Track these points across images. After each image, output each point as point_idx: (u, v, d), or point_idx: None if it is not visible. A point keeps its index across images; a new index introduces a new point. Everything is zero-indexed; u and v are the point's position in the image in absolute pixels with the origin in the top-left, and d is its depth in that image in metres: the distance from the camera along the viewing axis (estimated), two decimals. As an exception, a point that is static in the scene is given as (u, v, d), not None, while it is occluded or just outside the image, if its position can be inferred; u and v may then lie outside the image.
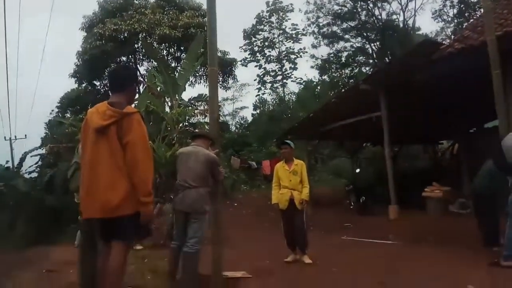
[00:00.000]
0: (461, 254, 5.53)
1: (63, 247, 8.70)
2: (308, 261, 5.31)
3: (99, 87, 23.11)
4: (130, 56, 22.36)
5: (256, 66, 40.02)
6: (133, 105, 3.04)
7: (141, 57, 22.83)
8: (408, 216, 9.19)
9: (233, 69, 24.98)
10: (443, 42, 10.93)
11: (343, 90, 13.19)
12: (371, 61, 25.06)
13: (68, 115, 22.32)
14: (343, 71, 26.60)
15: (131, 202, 2.70)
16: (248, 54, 39.18)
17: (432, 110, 11.12)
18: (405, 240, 7.26)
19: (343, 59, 26.36)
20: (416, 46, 7.88)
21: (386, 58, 21.41)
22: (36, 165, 14.87)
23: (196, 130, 12.38)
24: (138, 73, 21.19)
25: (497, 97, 5.56)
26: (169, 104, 12.41)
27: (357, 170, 14.75)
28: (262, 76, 40.81)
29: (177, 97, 11.32)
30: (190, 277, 3.87)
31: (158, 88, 11.52)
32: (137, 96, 12.75)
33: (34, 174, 14.67)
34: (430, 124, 12.90)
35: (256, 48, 39.04)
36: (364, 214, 10.61)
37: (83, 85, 23.09)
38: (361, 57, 26.16)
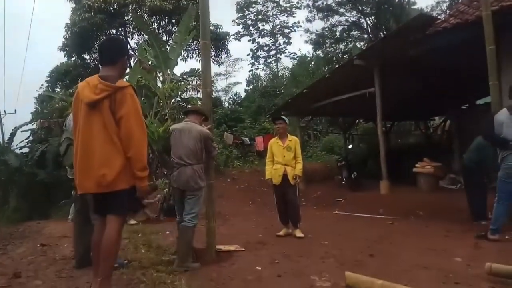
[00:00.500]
0: (449, 228, 5.67)
1: (56, 222, 8.75)
2: (300, 235, 5.41)
3: (88, 61, 22.63)
4: (120, 29, 21.79)
5: (249, 40, 39.51)
6: (124, 79, 2.98)
7: (131, 30, 22.26)
8: (399, 191, 9.35)
9: (226, 43, 24.57)
10: (439, 16, 10.79)
11: (337, 66, 13.05)
12: (366, 36, 24.76)
13: (58, 89, 21.94)
14: (337, 46, 26.28)
15: (126, 177, 2.70)
16: (242, 28, 38.60)
17: (425, 86, 11.12)
18: (395, 214, 7.40)
19: (337, 33, 26.01)
20: (411, 20, 7.76)
21: (381, 33, 21.15)
22: (27, 140, 14.68)
23: (189, 106, 12.29)
24: (128, 46, 20.78)
25: (490, 73, 5.55)
26: (161, 79, 12.20)
27: (350, 146, 14.85)
28: (255, 51, 40.36)
29: (169, 72, 11.10)
30: (185, 250, 3.94)
31: (150, 62, 11.28)
32: (128, 70, 12.57)
33: (25, 150, 14.52)
34: (423, 100, 12.92)
35: (249, 22, 38.40)
36: (356, 189, 10.76)
37: (73, 58, 22.59)
38: (356, 32, 25.83)
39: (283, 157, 5.59)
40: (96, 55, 20.07)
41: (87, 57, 22.46)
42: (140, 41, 19.98)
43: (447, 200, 7.63)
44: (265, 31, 39.62)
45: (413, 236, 5.23)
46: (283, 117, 5.97)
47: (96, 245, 2.75)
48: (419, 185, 9.58)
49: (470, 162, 6.14)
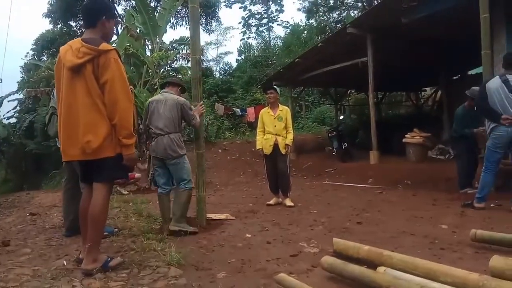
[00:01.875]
0: (436, 196, 5.78)
1: (46, 192, 8.72)
2: (289, 204, 5.47)
3: (75, 28, 21.93)
4: (106, -5, 21.02)
5: (241, 7, 38.48)
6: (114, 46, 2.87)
7: (118, -4, 21.54)
8: (388, 161, 9.46)
9: (217, 10, 23.93)
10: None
11: (330, 35, 12.84)
12: (360, 4, 24.23)
13: (44, 57, 21.34)
14: (331, 14, 25.74)
15: (112, 144, 2.65)
16: (233, -6, 37.46)
17: (417, 56, 11.02)
18: (384, 184, 7.51)
19: (331, 1, 25.42)
20: (406, -13, 7.57)
21: (376, 1, 20.71)
22: (14, 110, 14.40)
23: (178, 76, 12.07)
24: (113, 8, 20.11)
25: (483, 42, 5.49)
26: (150, 47, 11.93)
27: (341, 117, 14.86)
28: (247, 19, 39.39)
29: (157, 40, 10.84)
30: (180, 212, 3.98)
31: (138, 30, 10.97)
32: (115, 37, 12.19)
33: (13, 120, 14.27)
34: (414, 71, 12.85)
35: (241, -12, 37.24)
36: (346, 159, 10.86)
37: (58, 25, 21.87)
38: (349, 0, 25.26)
39: (274, 127, 5.58)
40: (82, 22, 19.42)
41: (73, 24, 21.79)
42: (128, 7, 19.36)
43: (435, 170, 7.74)
44: (257, -2, 38.56)
45: (400, 205, 5.31)
46: (274, 86, 5.90)
47: (83, 213, 2.73)
48: (408, 155, 9.67)
49: (454, 132, 6.31)
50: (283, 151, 5.54)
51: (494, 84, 4.57)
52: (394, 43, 9.81)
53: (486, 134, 4.81)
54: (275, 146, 5.54)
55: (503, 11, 6.40)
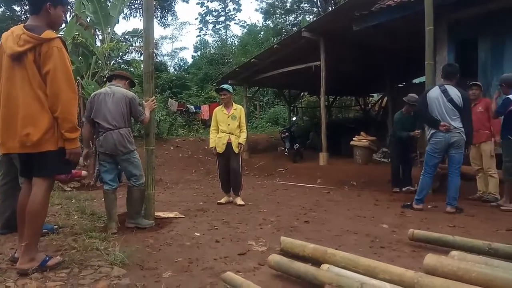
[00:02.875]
0: (379, 197, 6.08)
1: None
2: (240, 203, 5.48)
3: (19, 13, 20.46)
4: (55, -21, 19.81)
5: (198, 3, 38.09)
6: (57, 33, 2.70)
7: (68, -18, 20.41)
8: (336, 162, 9.81)
9: (173, 4, 23.43)
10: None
11: (286, 37, 13.06)
12: (315, 9, 24.88)
13: (-16, 43, 19.68)
14: (287, 17, 26.21)
15: (54, 137, 2.51)
16: (190, -10, 36.95)
17: (366, 63, 11.53)
18: (331, 184, 7.77)
19: (288, 4, 25.88)
20: (359, -4, 7.90)
21: (330, 7, 21.36)
22: None
23: (131, 69, 11.67)
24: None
25: (427, 53, 5.85)
26: (100, 37, 11.43)
27: (294, 118, 15.15)
28: (204, 15, 39.07)
29: (109, 30, 10.41)
30: (134, 208, 3.93)
31: (88, 19, 10.47)
32: (63, 25, 11.55)
33: None
34: (363, 77, 13.43)
35: (198, -16, 36.82)
36: (297, 160, 11.10)
37: (0, 9, 20.30)
38: (306, 4, 25.84)
39: (228, 125, 5.57)
40: (27, 7, 18.17)
41: (17, 8, 20.30)
42: (78, -5, 18.38)
43: (378, 172, 8.14)
44: (215, -5, 38.34)
45: (346, 204, 5.52)
46: (226, 86, 5.81)
47: (21, 209, 2.56)
48: (355, 157, 10.08)
49: (391, 135, 6.99)
50: (236, 150, 5.54)
51: (433, 93, 4.89)
52: (345, 49, 10.20)
53: (426, 139, 5.14)
54: (228, 145, 5.54)
55: (446, 24, 6.87)
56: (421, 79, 11.54)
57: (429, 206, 5.11)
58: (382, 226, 4.08)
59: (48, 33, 2.49)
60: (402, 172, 6.70)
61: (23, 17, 19.80)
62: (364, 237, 3.61)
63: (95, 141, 3.99)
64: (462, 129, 4.75)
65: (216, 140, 5.62)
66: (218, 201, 5.65)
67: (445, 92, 4.79)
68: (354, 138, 10.27)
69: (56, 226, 3.73)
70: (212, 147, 5.72)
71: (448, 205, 4.79)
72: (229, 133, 5.57)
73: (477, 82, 5.88)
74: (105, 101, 3.84)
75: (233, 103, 5.81)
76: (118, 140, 3.79)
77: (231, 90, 5.78)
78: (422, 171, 5.07)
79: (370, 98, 19.43)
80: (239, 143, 5.56)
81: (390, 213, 4.84)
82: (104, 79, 9.69)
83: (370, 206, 5.36)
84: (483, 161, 5.50)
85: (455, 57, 6.99)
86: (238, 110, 5.70)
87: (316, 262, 2.61)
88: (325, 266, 2.41)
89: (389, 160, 9.73)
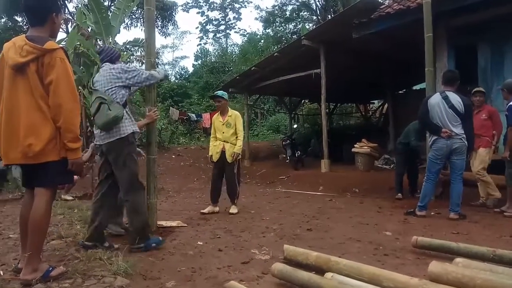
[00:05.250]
0: (381, 204, 6.06)
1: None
2: (233, 211, 5.40)
3: (21, 23, 20.64)
4: (56, -10, 20.00)
5: (198, 12, 38.43)
6: (59, 43, 2.72)
7: (69, -8, 20.60)
8: (338, 169, 9.80)
9: (174, 13, 23.62)
10: (384, 2, 11.17)
11: (286, 45, 13.14)
12: (314, 17, 25.05)
13: (-14, 53, 19.83)
14: (287, 25, 26.39)
15: (56, 148, 2.52)
16: (190, -1, 37.27)
17: (366, 70, 11.58)
18: (333, 191, 7.76)
19: (287, 13, 26.08)
20: (357, 4, 7.96)
21: (329, 15, 21.52)
22: None
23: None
24: (66, 9, 19.20)
25: (427, 59, 5.88)
26: (102, 47, 11.49)
27: (295, 126, 15.19)
28: (204, 24, 39.34)
29: (110, 40, 10.48)
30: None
31: (89, 29, 10.56)
32: (64, 35, 11.63)
33: None
34: (364, 83, 13.47)
35: (198, -7, 37.16)
36: (299, 167, 11.09)
37: (2, 20, 20.48)
38: (305, 13, 26.04)
39: (222, 133, 5.49)
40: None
41: (19, 19, 20.47)
42: (79, 5, 18.55)
43: (381, 179, 8.12)
44: (215, 4, 38.70)
45: (348, 212, 5.51)
46: (221, 93, 5.73)
47: (23, 219, 2.57)
48: (357, 164, 10.07)
49: (398, 144, 6.87)
50: (229, 159, 5.41)
51: (434, 100, 4.90)
52: (345, 56, 10.25)
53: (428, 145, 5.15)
54: (223, 153, 5.43)
55: (445, 31, 6.91)
56: (421, 85, 11.59)
57: (432, 213, 5.10)
58: (385, 233, 4.07)
59: (51, 44, 2.51)
60: (408, 179, 6.68)
61: (24, 27, 19.95)
62: (368, 244, 3.59)
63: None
64: (464, 135, 4.75)
65: (212, 148, 5.59)
66: (201, 211, 5.48)
67: (446, 98, 4.80)
68: (355, 145, 10.26)
69: (162, 238, 3.70)
70: (210, 155, 5.64)
71: (451, 212, 4.77)
72: (224, 141, 5.47)
73: (480, 88, 5.83)
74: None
75: (229, 109, 5.68)
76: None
77: (226, 96, 5.67)
78: (425, 177, 5.07)
79: (371, 105, 19.46)
80: (233, 152, 5.43)
81: (393, 220, 4.83)
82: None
83: (373, 213, 5.34)
84: (474, 163, 5.48)
85: (455, 64, 7.01)
86: (233, 116, 5.55)
87: (320, 270, 2.60)
88: (329, 275, 2.40)
89: (392, 166, 9.74)
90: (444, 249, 3.11)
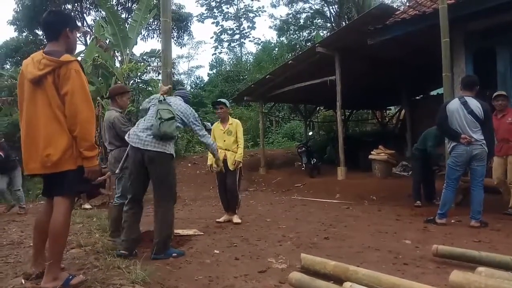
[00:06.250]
0: (400, 212, 5.96)
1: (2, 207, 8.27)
2: (237, 221, 5.35)
3: (42, 37, 21.30)
4: (75, 4, 20.63)
5: (213, 23, 38.91)
6: (79, 58, 2.81)
7: (88, 6, 21.17)
8: (355, 177, 9.68)
9: (189, 24, 23.99)
10: (399, 8, 11.10)
11: (300, 53, 13.15)
12: (328, 24, 25.05)
13: (8, 66, 20.56)
14: (301, 33, 26.43)
15: (73, 157, 2.59)
16: (205, 10, 37.83)
17: (382, 76, 11.48)
18: (350, 199, 7.67)
19: (301, 21, 26.14)
20: (372, 10, 7.93)
21: (344, 22, 21.49)
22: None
23: (148, 88, 11.88)
24: (73, 17, 19.65)
25: (444, 65, 5.79)
26: (119, 58, 11.75)
27: (310, 133, 15.11)
28: (219, 34, 39.78)
29: (127, 51, 10.71)
30: (113, 228, 4.09)
31: (107, 41, 10.82)
32: (83, 47, 11.93)
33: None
34: (380, 90, 13.34)
35: (213, 4, 37.66)
36: (315, 175, 11.01)
37: (24, 34, 21.20)
38: (319, 20, 26.06)
39: (223, 141, 5.46)
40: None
41: (40, 32, 21.14)
42: (97, 18, 19.05)
43: (399, 186, 7.99)
44: (229, 14, 39.14)
45: (366, 220, 5.43)
46: (223, 100, 5.76)
47: (39, 227, 2.66)
48: (374, 171, 9.93)
49: (415, 150, 6.83)
50: (231, 167, 5.37)
51: (453, 105, 4.81)
52: (360, 63, 10.19)
53: (447, 152, 5.04)
54: (224, 162, 5.32)
55: (462, 36, 6.81)
56: (439, 90, 11.41)
57: (452, 221, 4.98)
58: (404, 241, 3.99)
59: (67, 57, 2.60)
60: (423, 185, 6.58)
61: (44, 41, 20.54)
62: (387, 253, 3.53)
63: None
64: (484, 141, 4.65)
65: (212, 157, 5.56)
66: (217, 220, 5.52)
67: (465, 104, 4.71)
68: (372, 152, 10.14)
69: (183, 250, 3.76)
70: (209, 165, 5.58)
71: (472, 219, 4.65)
72: (226, 149, 5.43)
73: (502, 92, 5.59)
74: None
75: (230, 117, 5.68)
76: (110, 161, 4.20)
77: (227, 104, 5.67)
78: (444, 184, 4.96)
79: (387, 111, 19.23)
80: (234, 160, 5.40)
81: (412, 228, 4.73)
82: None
83: (391, 221, 5.25)
84: (508, 174, 5.33)
85: (474, 68, 6.89)
86: (234, 124, 5.55)
87: (338, 279, 2.56)
88: (347, 284, 2.36)
89: (410, 173, 9.57)
90: (465, 258, 3.03)
